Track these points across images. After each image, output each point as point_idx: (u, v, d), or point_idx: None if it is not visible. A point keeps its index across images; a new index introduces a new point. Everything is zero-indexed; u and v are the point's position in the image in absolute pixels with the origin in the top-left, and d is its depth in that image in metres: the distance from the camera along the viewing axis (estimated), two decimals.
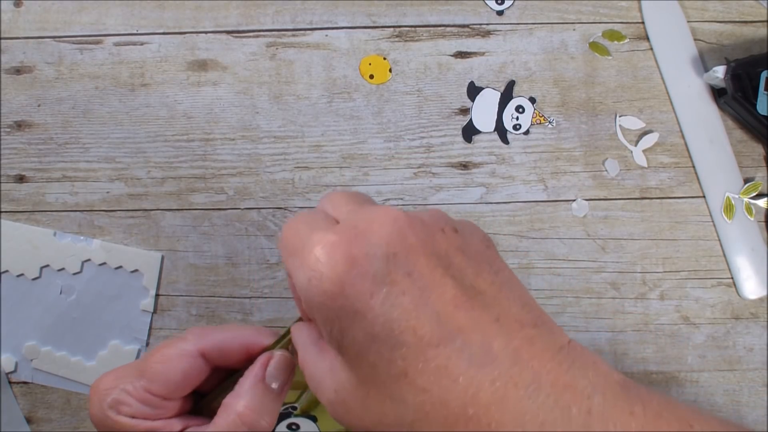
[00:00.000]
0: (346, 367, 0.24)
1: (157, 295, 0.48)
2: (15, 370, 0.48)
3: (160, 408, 0.30)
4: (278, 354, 0.30)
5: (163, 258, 0.48)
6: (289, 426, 0.40)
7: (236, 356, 0.31)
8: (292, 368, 0.30)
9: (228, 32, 0.49)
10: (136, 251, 0.48)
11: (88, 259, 0.48)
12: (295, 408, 0.39)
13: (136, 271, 0.48)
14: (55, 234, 0.48)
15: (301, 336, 0.27)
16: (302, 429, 0.40)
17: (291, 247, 0.25)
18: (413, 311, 0.22)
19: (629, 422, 0.22)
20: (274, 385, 0.29)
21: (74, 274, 0.48)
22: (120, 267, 0.48)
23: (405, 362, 0.22)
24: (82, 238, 0.48)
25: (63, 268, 0.48)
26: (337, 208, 0.26)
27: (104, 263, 0.48)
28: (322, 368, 0.25)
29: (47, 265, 0.48)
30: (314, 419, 0.39)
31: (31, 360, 0.48)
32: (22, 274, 0.48)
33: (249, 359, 0.31)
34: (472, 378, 0.22)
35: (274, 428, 0.31)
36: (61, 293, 0.48)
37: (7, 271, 0.48)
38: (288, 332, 0.30)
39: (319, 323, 0.24)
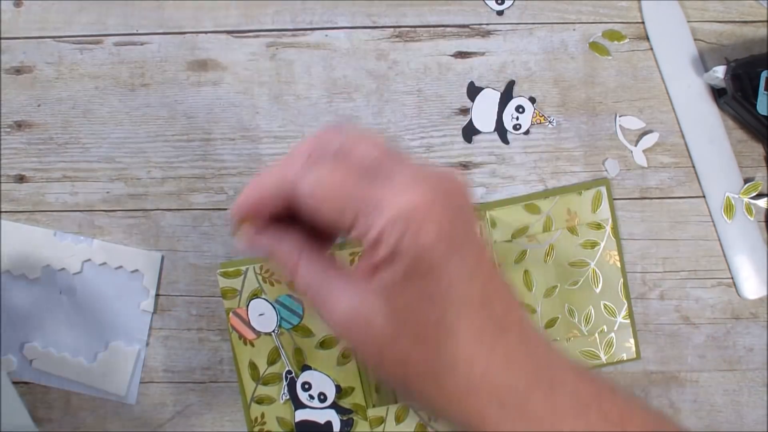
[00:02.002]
0: (382, 303, 0.26)
1: (157, 295, 0.48)
2: (15, 371, 0.48)
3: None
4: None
5: (163, 258, 0.48)
6: (302, 386, 0.41)
7: None
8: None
9: (228, 32, 0.49)
10: (136, 251, 0.48)
11: (89, 259, 0.48)
12: (291, 372, 0.40)
13: (136, 271, 0.48)
14: (55, 234, 0.48)
15: (314, 262, 0.28)
16: (313, 383, 0.41)
17: (356, 196, 0.25)
18: (469, 279, 0.26)
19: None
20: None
21: (74, 274, 0.48)
22: (120, 267, 0.48)
23: (454, 319, 0.25)
24: (82, 238, 0.48)
25: (63, 269, 0.48)
26: (376, 159, 0.26)
27: (104, 263, 0.48)
28: (337, 293, 0.27)
29: (47, 265, 0.48)
30: (310, 367, 0.40)
31: (32, 360, 0.48)
32: (22, 274, 0.48)
33: None
34: (495, 343, 0.26)
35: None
36: (61, 293, 0.48)
37: (7, 271, 0.48)
38: None
39: (386, 269, 0.25)
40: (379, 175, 0.25)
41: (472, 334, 0.26)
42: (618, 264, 0.47)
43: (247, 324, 0.42)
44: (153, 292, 0.48)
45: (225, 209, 0.49)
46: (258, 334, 0.42)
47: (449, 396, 0.27)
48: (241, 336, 0.42)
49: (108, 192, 0.49)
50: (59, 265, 0.48)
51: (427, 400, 0.27)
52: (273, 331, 0.41)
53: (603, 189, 0.47)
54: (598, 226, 0.47)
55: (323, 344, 0.41)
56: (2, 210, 0.49)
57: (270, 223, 0.28)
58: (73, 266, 0.48)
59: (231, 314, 0.42)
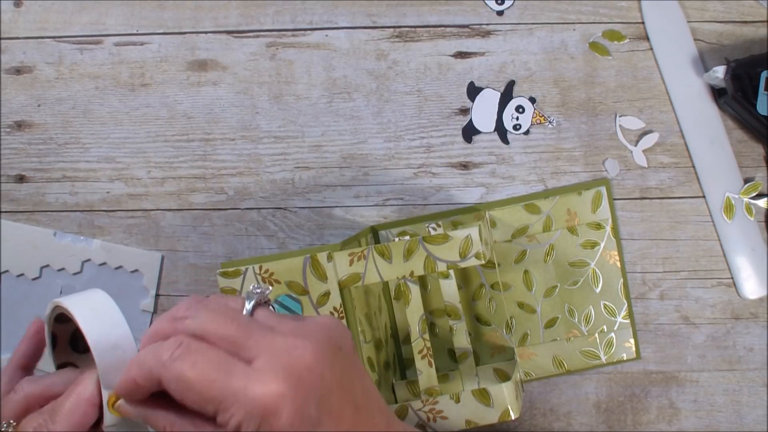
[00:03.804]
0: None
1: (157, 295, 0.48)
2: None
3: None
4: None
5: (163, 258, 0.48)
6: None
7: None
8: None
9: (228, 32, 0.49)
10: (136, 251, 0.48)
11: (88, 259, 0.48)
12: None
13: (136, 271, 0.48)
14: (55, 234, 0.48)
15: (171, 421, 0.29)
16: None
17: (217, 387, 0.26)
18: None
19: None
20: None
21: (74, 274, 0.48)
22: (120, 267, 0.48)
23: None
24: (82, 238, 0.48)
25: (63, 268, 0.48)
26: (234, 338, 0.28)
27: (104, 263, 0.48)
28: None
29: (47, 265, 0.48)
30: None
31: None
32: (22, 274, 0.48)
33: None
34: None
35: None
36: (61, 293, 0.48)
37: (7, 271, 0.48)
38: None
39: None
40: (241, 357, 0.27)
41: None
42: (618, 264, 0.47)
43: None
44: (153, 292, 0.48)
45: (225, 209, 0.49)
46: None
47: None
48: None
49: (108, 192, 0.49)
50: (59, 265, 0.48)
51: None
52: None
53: (603, 189, 0.47)
54: (598, 226, 0.46)
55: None
56: (2, 210, 0.49)
57: (147, 398, 0.29)
58: (73, 266, 0.48)
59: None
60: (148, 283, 0.48)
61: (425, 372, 0.42)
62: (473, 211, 0.47)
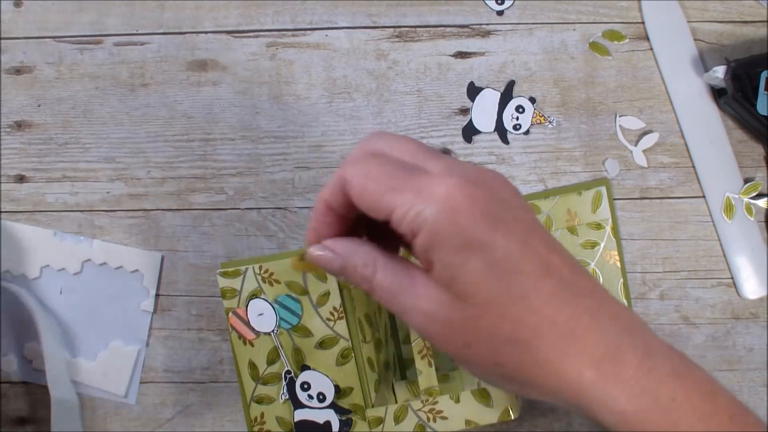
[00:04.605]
0: (455, 292, 0.27)
1: (157, 295, 0.48)
2: (15, 371, 0.48)
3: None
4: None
5: (163, 258, 0.48)
6: (301, 386, 0.41)
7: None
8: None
9: (228, 32, 0.49)
10: (137, 251, 0.48)
11: (89, 260, 0.48)
12: (290, 372, 0.41)
13: (136, 271, 0.48)
14: (55, 234, 0.48)
15: (371, 255, 0.29)
16: (312, 383, 0.41)
17: (399, 184, 0.27)
18: (524, 248, 0.27)
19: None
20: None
21: (74, 274, 0.48)
22: (120, 267, 0.48)
23: (524, 288, 0.26)
24: (82, 238, 0.48)
25: (63, 268, 0.48)
26: (416, 156, 0.28)
27: (104, 263, 0.48)
28: (414, 289, 0.28)
29: (47, 265, 0.48)
30: (309, 367, 0.41)
31: (32, 361, 0.48)
32: (22, 274, 0.48)
33: None
34: (574, 305, 0.27)
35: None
36: (61, 293, 0.48)
37: (7, 271, 0.48)
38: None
39: (436, 253, 0.27)
40: (417, 168, 0.27)
41: (545, 299, 0.26)
42: (618, 264, 0.47)
43: (247, 324, 0.42)
44: (153, 292, 0.48)
45: (225, 209, 0.49)
46: (257, 334, 0.42)
47: (541, 363, 0.27)
48: (240, 336, 0.42)
49: (108, 192, 0.49)
50: (59, 265, 0.48)
51: (520, 375, 0.27)
52: (272, 331, 0.41)
53: (603, 189, 0.47)
54: (598, 226, 0.46)
55: (322, 344, 0.41)
56: (2, 210, 0.49)
57: (340, 238, 0.30)
58: (73, 266, 0.48)
59: (230, 314, 0.42)
60: (148, 283, 0.48)
61: (425, 372, 0.42)
62: None
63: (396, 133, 0.31)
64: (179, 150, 0.49)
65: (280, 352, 0.42)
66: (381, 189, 0.27)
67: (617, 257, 0.47)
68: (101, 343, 0.48)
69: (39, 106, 0.49)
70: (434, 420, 0.40)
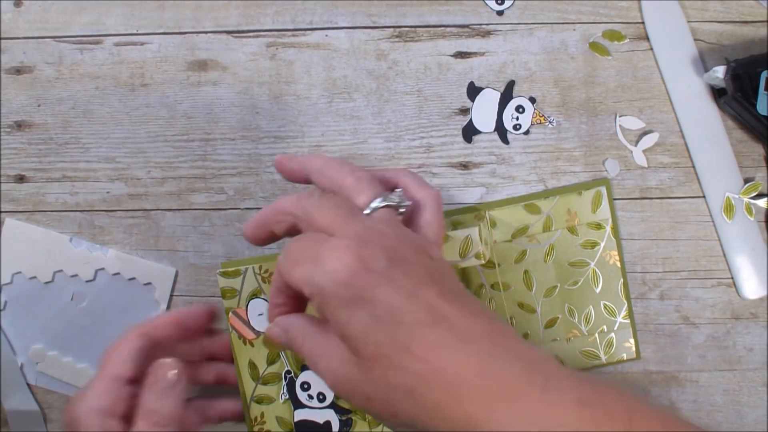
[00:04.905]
0: (349, 347, 0.29)
1: (167, 309, 0.48)
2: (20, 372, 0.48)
3: (126, 395, 0.37)
4: (162, 363, 0.37)
5: (177, 273, 0.48)
6: (301, 386, 0.41)
7: (172, 335, 0.40)
8: (176, 367, 0.37)
9: (228, 32, 0.49)
10: (151, 264, 0.48)
11: (102, 268, 0.48)
12: (290, 372, 0.42)
13: (149, 284, 0.48)
14: (71, 240, 0.48)
15: (301, 326, 0.32)
16: (312, 383, 0.41)
17: (301, 257, 0.30)
18: (409, 299, 0.28)
19: (578, 387, 0.28)
20: (174, 391, 0.37)
21: (87, 281, 0.48)
22: (133, 278, 0.48)
23: (407, 338, 0.27)
24: (98, 246, 0.48)
25: (76, 275, 0.48)
26: (331, 219, 0.31)
27: (118, 273, 0.48)
28: (326, 350, 0.30)
29: (60, 270, 0.48)
30: (308, 367, 0.41)
31: (37, 363, 0.48)
32: (34, 277, 0.48)
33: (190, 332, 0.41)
34: (461, 350, 0.27)
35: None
36: (72, 299, 0.48)
37: (20, 272, 0.48)
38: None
39: (328, 313, 0.29)
40: (324, 235, 0.31)
41: (429, 347, 0.27)
42: (618, 264, 0.47)
43: (247, 324, 0.42)
44: (164, 306, 0.48)
45: (225, 209, 0.49)
46: (258, 333, 0.42)
47: (430, 411, 0.27)
48: (240, 335, 0.42)
49: (108, 192, 0.49)
50: (72, 271, 0.48)
51: (415, 424, 0.28)
52: None
53: (603, 189, 0.47)
54: (598, 226, 0.46)
55: None
56: (2, 210, 0.49)
57: (287, 314, 0.34)
58: (87, 273, 0.48)
59: (230, 314, 0.42)
60: (160, 297, 0.48)
61: None
62: (473, 211, 0.47)
63: (337, 198, 0.33)
64: (179, 150, 0.49)
65: (281, 353, 0.42)
66: (290, 265, 0.30)
67: (617, 257, 0.47)
68: None
69: (39, 106, 0.49)
70: None
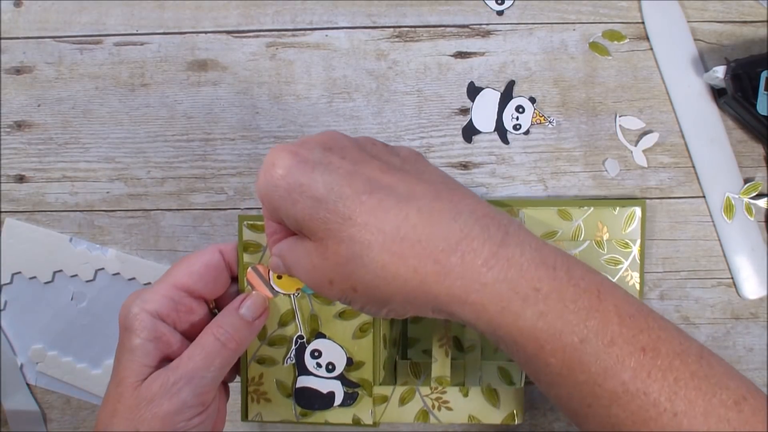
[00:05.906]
0: (308, 237, 0.30)
1: None
2: (20, 372, 0.48)
3: (184, 309, 0.37)
4: (254, 294, 0.38)
5: None
6: (311, 353, 0.40)
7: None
8: (264, 305, 0.38)
9: (228, 32, 0.49)
10: (151, 264, 0.48)
11: (102, 268, 0.48)
12: (302, 337, 0.41)
13: (148, 284, 0.48)
14: (71, 240, 0.48)
15: (288, 247, 0.32)
16: (324, 351, 0.40)
17: (259, 174, 0.31)
18: (347, 175, 0.28)
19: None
20: (247, 315, 0.37)
21: (87, 281, 0.48)
22: (133, 279, 0.48)
23: (347, 209, 0.27)
24: (98, 246, 0.48)
25: (76, 275, 0.48)
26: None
27: (118, 273, 0.48)
28: (297, 252, 0.31)
29: (60, 270, 0.48)
30: (323, 335, 0.40)
31: (37, 363, 0.48)
32: (34, 277, 0.48)
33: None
34: (400, 209, 0.27)
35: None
36: (72, 299, 0.48)
37: (20, 272, 0.48)
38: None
39: (281, 213, 0.30)
40: None
41: (369, 212, 0.27)
42: (637, 287, 0.46)
43: (266, 282, 0.41)
44: None
45: (225, 209, 0.49)
46: (275, 293, 0.41)
47: (378, 272, 0.27)
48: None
49: (108, 192, 0.49)
50: (72, 272, 0.48)
51: (373, 293, 0.28)
52: (293, 294, 0.40)
53: (638, 210, 0.46)
54: (626, 245, 0.46)
55: (342, 315, 0.40)
56: (2, 210, 0.49)
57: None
58: (87, 274, 0.48)
59: (249, 269, 0.40)
60: None
61: (440, 360, 0.41)
62: (505, 206, 0.46)
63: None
64: (179, 150, 0.49)
65: (297, 316, 0.40)
66: (256, 186, 0.32)
67: (638, 279, 0.46)
68: (107, 352, 0.48)
69: (39, 106, 0.49)
70: (439, 409, 0.39)
